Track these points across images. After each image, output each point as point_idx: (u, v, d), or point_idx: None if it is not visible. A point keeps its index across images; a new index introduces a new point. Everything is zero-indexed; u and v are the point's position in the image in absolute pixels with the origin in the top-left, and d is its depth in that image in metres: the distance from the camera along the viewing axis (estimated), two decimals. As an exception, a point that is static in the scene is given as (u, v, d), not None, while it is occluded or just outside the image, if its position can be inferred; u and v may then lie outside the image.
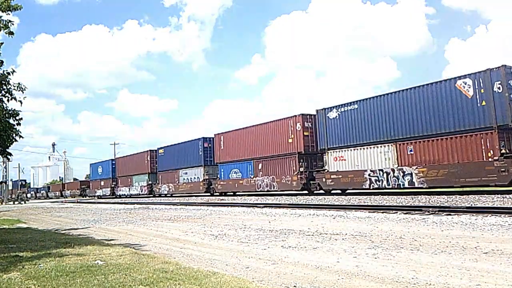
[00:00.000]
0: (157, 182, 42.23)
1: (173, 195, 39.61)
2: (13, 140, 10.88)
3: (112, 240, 9.94)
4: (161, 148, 42.32)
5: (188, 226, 12.01)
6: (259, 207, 17.69)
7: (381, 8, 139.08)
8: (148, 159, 44.12)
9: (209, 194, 34.65)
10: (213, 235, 9.78)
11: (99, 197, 54.87)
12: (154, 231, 11.44)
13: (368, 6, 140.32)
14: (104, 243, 9.02)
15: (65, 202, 46.20)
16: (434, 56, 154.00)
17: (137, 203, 29.30)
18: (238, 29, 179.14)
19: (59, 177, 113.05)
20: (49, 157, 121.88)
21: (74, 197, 66.06)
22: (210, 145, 34.71)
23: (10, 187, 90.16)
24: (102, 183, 55.57)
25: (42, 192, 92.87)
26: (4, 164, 57.40)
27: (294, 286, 4.88)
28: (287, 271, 5.63)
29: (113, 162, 53.88)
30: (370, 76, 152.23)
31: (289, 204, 17.48)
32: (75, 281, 5.14)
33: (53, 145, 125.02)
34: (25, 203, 51.61)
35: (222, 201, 24.45)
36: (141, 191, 45.39)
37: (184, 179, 37.69)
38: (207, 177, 34.59)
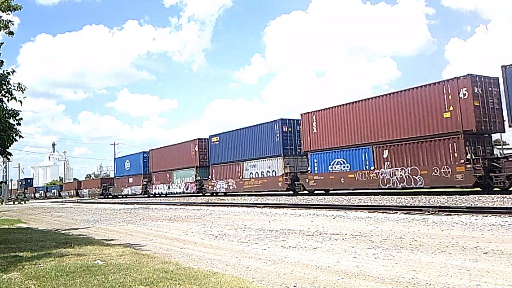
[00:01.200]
0: (210, 177, 34.36)
1: (235, 193, 32.01)
2: (13, 140, 10.88)
3: (112, 240, 9.94)
4: (214, 135, 34.19)
5: (188, 226, 12.01)
6: (259, 207, 17.70)
7: (381, 8, 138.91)
8: (196, 149, 35.97)
9: (291, 192, 27.27)
10: (213, 235, 9.78)
11: (127, 196, 48.52)
12: (154, 231, 11.44)
13: (368, 6, 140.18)
14: (104, 243, 9.02)
15: (65, 202, 46.20)
16: (434, 56, 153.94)
17: (137, 203, 29.29)
18: (238, 29, 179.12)
19: (59, 177, 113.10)
20: (49, 157, 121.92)
21: (92, 197, 59.10)
22: (290, 128, 27.19)
23: (16, 187, 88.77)
24: (131, 180, 47.82)
25: (53, 191, 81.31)
26: (4, 164, 57.46)
27: (294, 286, 4.88)
28: (287, 271, 5.63)
29: (146, 155, 45.30)
30: (370, 76, 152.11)
31: (289, 204, 17.48)
32: (75, 281, 5.14)
33: (53, 145, 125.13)
34: (25, 203, 51.63)
35: (222, 201, 24.43)
36: (186, 189, 37.20)
37: (251, 173, 29.70)
38: (288, 171, 26.51)
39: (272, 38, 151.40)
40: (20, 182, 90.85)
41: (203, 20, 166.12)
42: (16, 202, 52.81)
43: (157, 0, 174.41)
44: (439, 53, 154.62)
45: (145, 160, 45.12)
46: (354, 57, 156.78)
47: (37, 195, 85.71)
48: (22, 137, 11.15)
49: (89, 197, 60.46)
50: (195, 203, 24.30)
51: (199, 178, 35.74)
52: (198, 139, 36.34)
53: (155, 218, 15.44)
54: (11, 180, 79.32)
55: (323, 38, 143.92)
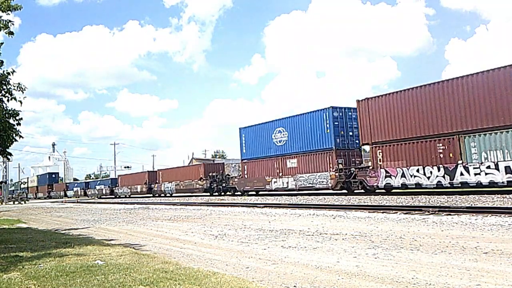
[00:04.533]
0: None
1: None
2: (13, 140, 10.89)
3: (112, 240, 9.94)
4: None
5: (188, 226, 12.01)
6: (259, 207, 17.69)
7: (381, 9, 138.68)
8: None
9: None
10: (213, 235, 9.78)
11: (287, 190, 26.83)
12: (154, 231, 11.44)
13: (368, 7, 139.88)
14: (104, 243, 9.02)
15: (65, 202, 46.21)
16: (434, 56, 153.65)
17: (137, 203, 29.30)
18: (238, 30, 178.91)
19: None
20: (49, 157, 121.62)
21: (185, 195, 38.08)
22: None
23: (35, 184, 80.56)
24: (291, 162, 26.05)
25: (99, 187, 55.19)
26: (4, 164, 57.40)
27: (294, 286, 4.88)
28: (287, 271, 5.63)
29: (338, 112, 23.97)
30: (370, 76, 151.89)
31: (289, 204, 17.47)
32: (75, 281, 5.14)
33: (53, 145, 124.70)
34: (25, 203, 51.65)
35: (222, 201, 24.44)
36: None
37: None
38: None
39: (272, 38, 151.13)
40: (40, 178, 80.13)
41: (203, 21, 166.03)
42: (16, 202, 52.81)
43: (157, 0, 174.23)
44: (439, 53, 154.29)
45: (336, 122, 23.78)
46: (354, 57, 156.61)
47: (69, 193, 60.88)
48: (22, 137, 11.16)
49: (171, 194, 39.84)
50: (195, 203, 24.31)
51: None
52: None
53: (155, 218, 15.44)
54: (11, 179, 78.53)
55: (323, 38, 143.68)
